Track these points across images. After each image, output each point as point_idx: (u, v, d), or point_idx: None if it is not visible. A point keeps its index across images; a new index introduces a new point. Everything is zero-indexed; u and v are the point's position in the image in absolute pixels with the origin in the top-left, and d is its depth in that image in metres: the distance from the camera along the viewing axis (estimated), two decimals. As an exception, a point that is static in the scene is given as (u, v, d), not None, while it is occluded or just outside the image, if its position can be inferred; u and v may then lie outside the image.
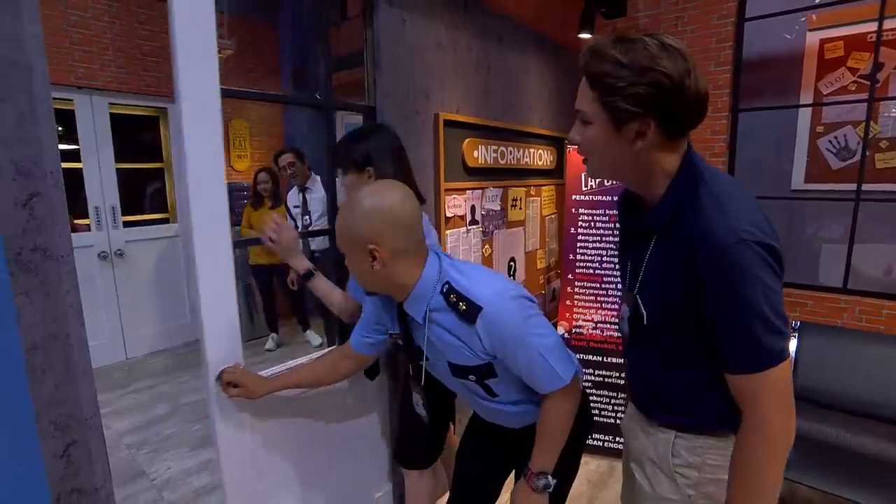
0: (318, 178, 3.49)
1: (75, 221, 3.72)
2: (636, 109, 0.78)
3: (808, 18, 2.84)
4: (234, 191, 4.38)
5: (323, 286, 1.52)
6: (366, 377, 1.76)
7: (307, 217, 3.50)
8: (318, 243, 3.50)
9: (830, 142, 2.89)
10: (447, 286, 1.05)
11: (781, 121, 3.04)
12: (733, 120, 2.83)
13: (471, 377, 1.15)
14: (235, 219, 4.29)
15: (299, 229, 3.44)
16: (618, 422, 2.53)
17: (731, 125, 2.82)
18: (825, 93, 2.82)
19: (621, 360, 2.52)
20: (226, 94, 1.36)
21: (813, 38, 2.86)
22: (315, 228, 3.40)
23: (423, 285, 1.07)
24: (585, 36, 2.83)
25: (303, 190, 3.51)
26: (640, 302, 0.93)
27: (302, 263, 1.49)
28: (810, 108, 2.90)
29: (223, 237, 1.36)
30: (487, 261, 2.43)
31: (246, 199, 4.12)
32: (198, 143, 1.29)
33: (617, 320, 1.79)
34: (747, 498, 0.82)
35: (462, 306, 1.03)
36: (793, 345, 2.35)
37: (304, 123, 4.87)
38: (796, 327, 2.40)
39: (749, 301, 0.76)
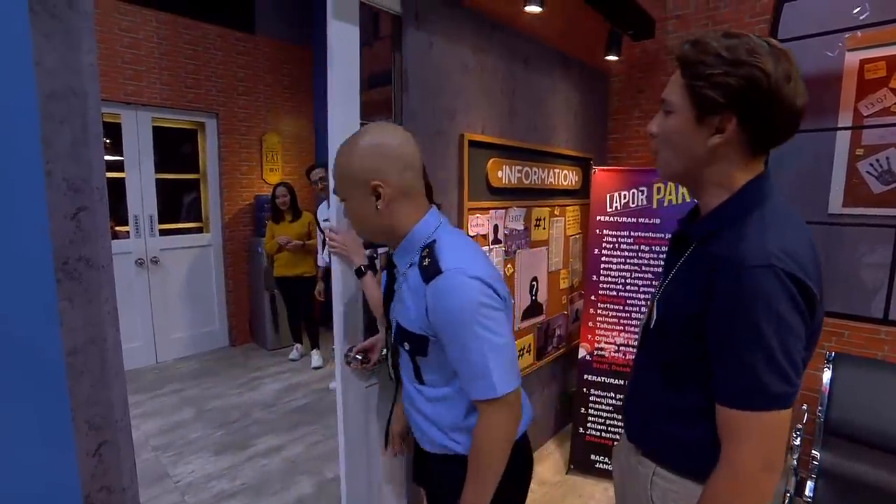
0: None
1: (116, 228, 3.91)
2: (721, 100, 0.74)
3: (848, 39, 2.78)
4: (264, 203, 4.52)
5: (371, 282, 1.52)
6: (390, 379, 1.73)
7: None
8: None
9: (872, 165, 2.80)
10: (430, 244, 1.00)
11: (818, 142, 2.97)
12: (765, 143, 2.77)
13: (405, 345, 1.05)
14: (262, 231, 4.42)
15: (323, 242, 3.52)
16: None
17: (762, 148, 2.77)
18: (865, 114, 2.75)
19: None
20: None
21: (852, 59, 2.80)
22: None
23: (416, 235, 1.02)
24: (612, 58, 2.85)
25: None
26: (655, 307, 0.90)
27: (361, 259, 1.53)
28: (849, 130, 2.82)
29: None
30: (510, 280, 2.44)
31: (276, 212, 4.25)
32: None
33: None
34: None
35: (426, 262, 0.97)
36: (826, 376, 2.26)
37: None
38: (830, 358, 2.31)
39: (759, 330, 0.69)
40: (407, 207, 1.02)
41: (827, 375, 2.24)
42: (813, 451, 2.05)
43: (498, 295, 0.97)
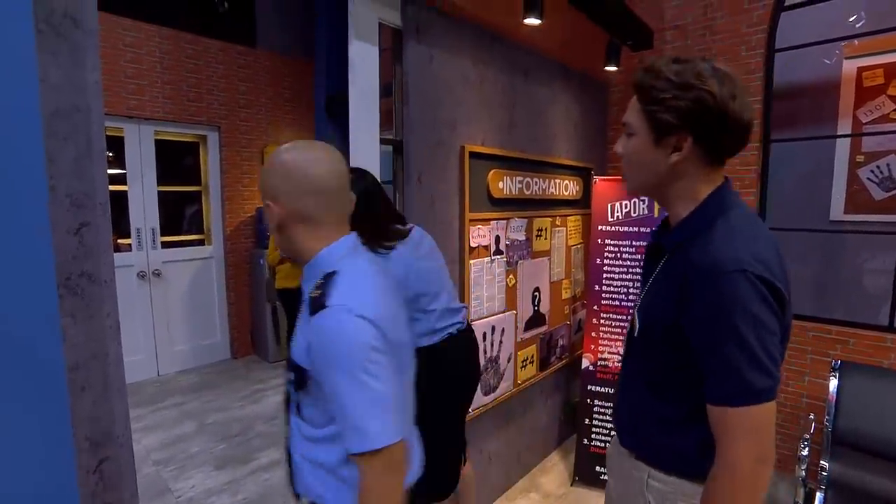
0: None
1: (118, 241, 3.92)
2: (675, 122, 0.81)
3: (845, 47, 2.80)
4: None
5: None
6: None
7: None
8: None
9: (872, 171, 2.80)
10: (330, 274, 0.92)
11: (817, 150, 2.98)
12: (764, 151, 2.78)
13: (291, 373, 0.99)
14: (264, 244, 4.42)
15: None
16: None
17: (762, 156, 2.78)
18: (864, 121, 2.76)
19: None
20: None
21: (850, 67, 2.81)
22: None
23: (318, 262, 0.95)
24: (612, 68, 2.87)
25: None
26: (636, 316, 0.95)
27: None
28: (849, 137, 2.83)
29: None
30: (512, 290, 2.44)
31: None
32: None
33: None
34: None
35: (316, 293, 0.90)
36: (832, 385, 2.24)
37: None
38: (836, 367, 2.29)
39: (738, 331, 0.74)
40: (304, 234, 0.95)
41: (833, 384, 2.23)
42: (821, 462, 2.03)
43: (386, 337, 0.87)
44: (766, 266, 0.77)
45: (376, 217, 1.56)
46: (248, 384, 4.00)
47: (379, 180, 1.75)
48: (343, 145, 5.68)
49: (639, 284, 2.55)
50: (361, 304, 0.87)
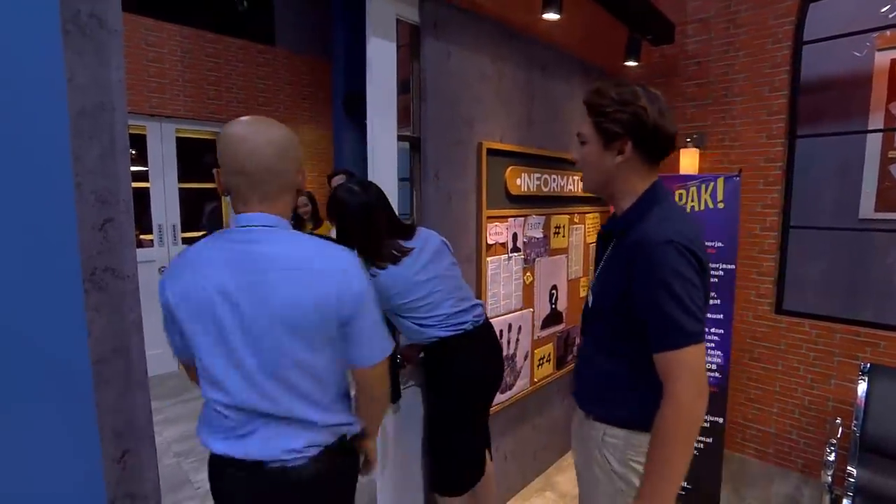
0: None
1: (140, 237, 4.00)
2: (618, 130, 1.04)
3: (878, 38, 2.71)
4: (285, 211, 4.57)
5: None
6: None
7: None
8: None
9: (904, 168, 2.71)
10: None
11: (847, 146, 2.89)
12: (790, 146, 2.71)
13: None
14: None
15: None
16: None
17: (787, 152, 2.70)
18: (897, 116, 2.66)
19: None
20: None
21: (883, 58, 2.72)
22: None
23: None
24: (632, 63, 2.82)
25: None
26: (590, 293, 1.16)
27: None
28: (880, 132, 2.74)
29: None
30: (529, 288, 2.42)
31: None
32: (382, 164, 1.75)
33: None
34: (657, 468, 0.96)
35: None
36: (861, 388, 2.18)
37: (354, 148, 5.05)
38: (865, 370, 2.22)
39: (670, 287, 0.93)
40: (234, 204, 1.04)
41: (862, 388, 2.16)
42: (848, 468, 1.97)
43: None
44: (689, 239, 0.97)
45: (375, 233, 1.56)
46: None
47: (396, 178, 1.75)
48: (361, 142, 5.69)
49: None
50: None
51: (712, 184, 2.55)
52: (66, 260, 0.97)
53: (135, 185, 1.17)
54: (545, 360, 2.59)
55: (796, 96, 2.66)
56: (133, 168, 1.17)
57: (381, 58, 1.67)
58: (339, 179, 3.46)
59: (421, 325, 1.63)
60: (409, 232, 1.64)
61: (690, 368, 0.93)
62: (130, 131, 1.25)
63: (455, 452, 1.72)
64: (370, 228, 1.55)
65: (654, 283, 0.95)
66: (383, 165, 1.64)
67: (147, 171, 4.02)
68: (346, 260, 1.03)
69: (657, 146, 1.05)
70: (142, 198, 3.97)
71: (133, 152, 3.95)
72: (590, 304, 1.15)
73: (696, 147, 2.99)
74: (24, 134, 0.89)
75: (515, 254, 2.30)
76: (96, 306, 1.11)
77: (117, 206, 1.12)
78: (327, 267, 0.99)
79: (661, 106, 1.03)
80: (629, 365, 1.06)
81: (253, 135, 0.99)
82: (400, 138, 1.83)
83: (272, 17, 4.72)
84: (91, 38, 1.09)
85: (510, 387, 2.33)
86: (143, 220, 4.02)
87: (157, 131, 4.03)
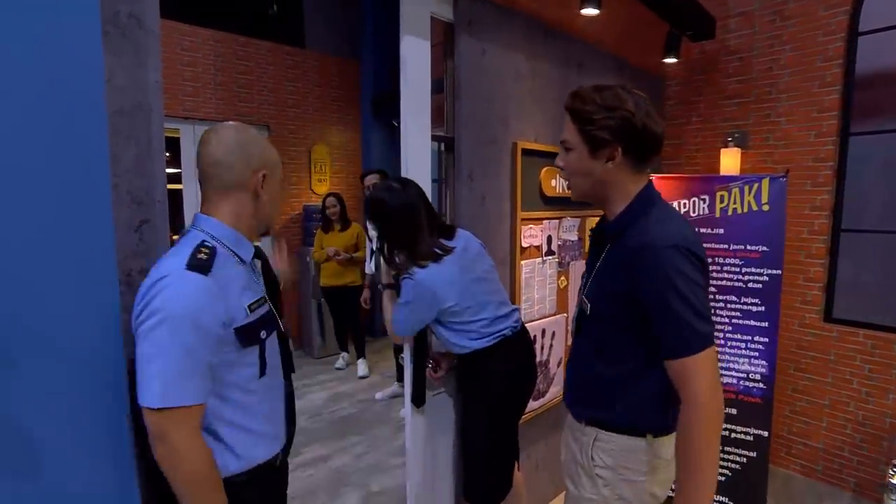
0: None
1: (173, 238, 4.07)
2: (608, 137, 1.01)
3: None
4: (312, 213, 4.60)
5: (388, 303, 1.68)
6: (413, 403, 1.76)
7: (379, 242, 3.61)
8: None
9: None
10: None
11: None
12: (842, 145, 2.56)
13: None
14: (310, 241, 4.49)
15: (371, 252, 3.52)
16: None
17: (839, 151, 2.56)
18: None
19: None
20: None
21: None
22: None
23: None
24: (671, 60, 2.71)
25: None
26: (585, 299, 1.12)
27: (385, 278, 1.71)
28: (939, 133, 2.56)
29: None
30: (563, 292, 2.34)
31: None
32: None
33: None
34: (691, 476, 0.94)
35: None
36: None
37: (382, 149, 5.05)
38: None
39: (680, 292, 0.92)
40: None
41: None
42: (910, 489, 1.84)
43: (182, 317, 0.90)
44: (691, 242, 0.98)
45: (416, 231, 1.52)
46: (293, 379, 4.07)
47: (430, 179, 1.71)
48: (390, 143, 5.69)
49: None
50: (179, 262, 0.95)
51: (756, 185, 2.43)
52: (103, 261, 0.96)
53: (168, 186, 1.16)
54: (578, 366, 2.50)
55: (850, 92, 2.51)
56: (167, 170, 1.16)
57: (416, 56, 1.63)
58: (372, 179, 3.38)
59: (461, 332, 1.57)
60: (450, 231, 1.60)
61: (707, 371, 0.93)
62: (165, 134, 1.24)
63: (487, 464, 1.66)
64: (411, 227, 1.51)
65: (663, 288, 0.94)
66: (417, 166, 1.60)
67: (180, 172, 4.09)
68: (162, 273, 0.91)
69: (646, 148, 1.04)
70: (175, 199, 4.05)
71: (167, 154, 4.03)
72: (587, 311, 1.11)
73: (738, 147, 2.86)
74: (64, 135, 0.89)
75: (550, 257, 2.23)
76: (131, 307, 1.10)
77: (153, 207, 1.11)
78: (146, 281, 0.92)
79: (646, 107, 1.02)
80: (630, 370, 1.05)
81: (207, 133, 1.03)
82: (433, 138, 1.79)
83: (302, 20, 4.76)
84: (130, 38, 1.08)
85: (543, 394, 2.26)
86: (175, 222, 4.10)
87: (190, 133, 4.10)
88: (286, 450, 1.16)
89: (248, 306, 1.00)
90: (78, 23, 0.93)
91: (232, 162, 1.01)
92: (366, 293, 3.90)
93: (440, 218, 1.62)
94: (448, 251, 1.53)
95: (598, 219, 2.54)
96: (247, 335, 0.99)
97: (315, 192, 4.83)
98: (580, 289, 1.19)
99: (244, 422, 1.01)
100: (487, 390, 1.62)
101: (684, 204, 2.58)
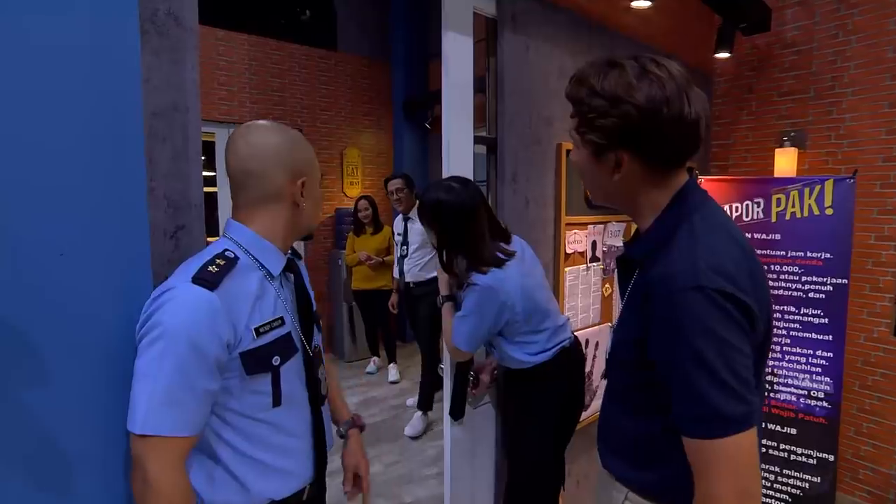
0: None
1: (208, 239, 4.12)
2: (605, 141, 0.74)
3: None
4: (344, 216, 4.59)
5: (449, 317, 1.54)
6: (451, 416, 1.68)
7: (405, 247, 3.39)
8: (413, 274, 3.35)
9: None
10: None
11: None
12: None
13: None
14: (342, 244, 4.47)
15: (398, 257, 3.44)
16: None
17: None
18: None
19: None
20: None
21: None
22: (413, 260, 3.34)
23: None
24: (723, 55, 2.56)
25: (406, 219, 3.41)
26: (610, 335, 0.92)
27: (445, 289, 1.59)
28: None
29: None
30: (608, 301, 2.22)
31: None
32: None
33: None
34: None
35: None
36: None
37: (414, 151, 5.00)
38: None
39: (699, 353, 0.66)
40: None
41: None
42: None
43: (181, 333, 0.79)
44: (727, 276, 0.68)
45: (479, 234, 1.40)
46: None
47: (475, 183, 1.63)
48: (422, 145, 5.64)
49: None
50: (188, 273, 0.85)
51: (819, 187, 2.26)
52: (138, 268, 0.92)
53: (204, 189, 1.10)
54: (622, 379, 2.38)
55: (931, 85, 2.30)
56: (203, 174, 1.11)
57: (458, 53, 1.55)
58: (395, 184, 3.31)
59: (523, 345, 1.47)
60: (508, 235, 1.50)
61: (731, 466, 0.66)
62: (203, 138, 1.20)
63: (534, 487, 1.57)
64: (473, 229, 1.39)
65: (677, 347, 0.68)
66: (459, 167, 1.52)
67: (215, 175, 4.14)
68: (169, 285, 0.83)
69: (667, 148, 0.74)
70: (210, 202, 4.09)
71: (203, 158, 4.08)
72: (607, 354, 0.90)
73: (795, 146, 2.67)
74: (99, 136, 0.84)
75: (594, 264, 2.11)
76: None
77: (189, 211, 1.06)
78: (155, 291, 0.84)
79: (662, 91, 0.70)
80: (661, 427, 0.78)
81: (236, 136, 0.93)
82: (475, 140, 1.71)
83: (334, 23, 4.76)
84: (168, 36, 1.04)
85: (586, 407, 2.14)
86: (210, 226, 4.14)
87: (225, 137, 4.12)
88: (316, 484, 1.02)
89: (256, 329, 0.86)
90: (117, 21, 0.89)
91: (266, 171, 0.90)
92: (393, 297, 3.81)
93: (499, 221, 1.52)
94: (511, 255, 1.42)
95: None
96: (253, 361, 0.86)
97: (347, 196, 4.82)
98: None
99: (252, 451, 0.89)
100: (545, 409, 1.51)
101: (736, 208, 2.43)
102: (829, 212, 2.24)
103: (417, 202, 3.27)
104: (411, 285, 3.36)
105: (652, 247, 0.78)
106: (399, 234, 3.48)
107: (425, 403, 3.30)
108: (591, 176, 0.82)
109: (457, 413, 1.66)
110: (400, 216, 3.49)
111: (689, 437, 0.70)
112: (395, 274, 3.65)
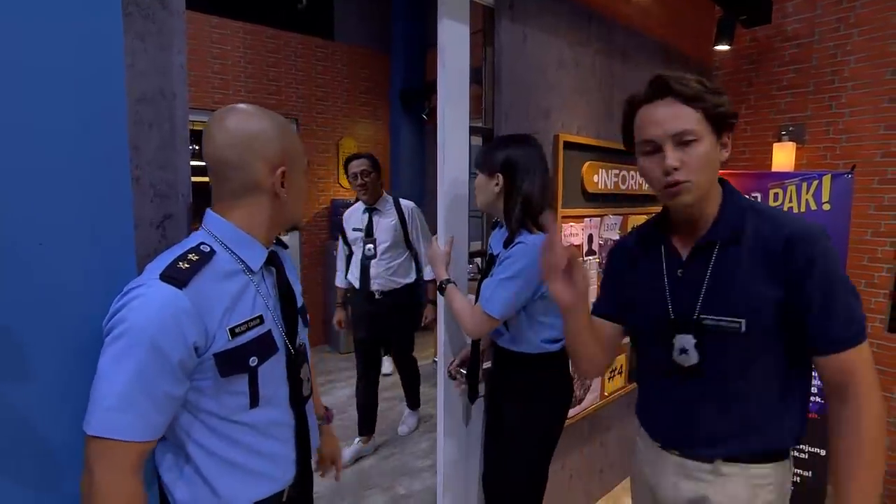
0: (391, 199, 2.76)
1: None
2: (733, 120, 0.91)
3: None
4: (340, 207, 4.55)
5: (458, 296, 1.48)
6: (468, 398, 1.66)
7: (370, 246, 2.68)
8: (382, 281, 2.71)
9: None
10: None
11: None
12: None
13: None
14: (336, 235, 4.43)
15: (358, 259, 2.74)
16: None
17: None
18: None
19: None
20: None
21: None
22: (383, 263, 2.68)
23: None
24: (723, 47, 2.54)
25: (370, 210, 2.71)
26: (718, 318, 0.92)
27: (444, 272, 1.53)
28: None
29: (463, 254, 1.69)
30: (602, 295, 2.21)
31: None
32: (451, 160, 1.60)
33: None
34: (868, 467, 0.84)
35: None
36: None
37: (411, 142, 4.95)
38: None
39: (845, 281, 0.86)
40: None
41: None
42: None
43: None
44: None
45: (545, 192, 1.44)
46: (319, 374, 4.04)
47: (468, 173, 1.61)
48: (419, 136, 5.57)
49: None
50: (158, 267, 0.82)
51: (816, 182, 2.24)
52: (122, 260, 0.89)
53: (195, 179, 1.07)
54: (616, 372, 2.37)
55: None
56: (195, 163, 1.07)
57: (454, 42, 1.52)
58: (360, 164, 2.65)
59: (543, 328, 1.43)
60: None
61: (870, 358, 0.87)
62: (195, 127, 1.17)
63: (531, 489, 1.55)
64: (540, 183, 1.40)
65: (832, 277, 0.85)
66: (454, 158, 1.49)
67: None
68: (139, 281, 0.79)
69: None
70: (203, 193, 4.04)
71: (196, 147, 4.03)
72: (743, 327, 0.91)
73: (793, 141, 2.65)
74: (80, 123, 0.81)
75: (591, 257, 2.10)
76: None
77: (177, 201, 1.04)
78: (127, 286, 0.80)
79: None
80: (780, 385, 0.92)
81: (212, 122, 0.87)
82: (471, 130, 1.69)
83: (331, 12, 4.69)
84: (153, 20, 1.01)
85: (580, 401, 2.14)
86: (201, 215, 4.10)
87: (219, 126, 4.10)
88: (299, 485, 0.98)
89: (231, 329, 0.82)
90: (96, 3, 0.86)
91: (242, 160, 0.84)
92: (339, 314, 2.99)
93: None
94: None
95: (640, 216, 2.36)
96: (228, 363, 0.82)
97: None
98: (664, 316, 0.96)
99: (226, 454, 0.85)
100: (549, 404, 1.49)
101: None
102: (826, 207, 2.23)
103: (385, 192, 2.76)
104: (377, 295, 2.70)
105: (738, 222, 0.92)
106: (357, 230, 2.75)
107: (414, 401, 3.19)
108: (709, 162, 0.89)
109: (473, 395, 1.63)
110: (359, 206, 2.78)
111: (844, 351, 0.85)
112: (342, 281, 2.94)
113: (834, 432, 0.88)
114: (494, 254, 1.46)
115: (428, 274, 2.79)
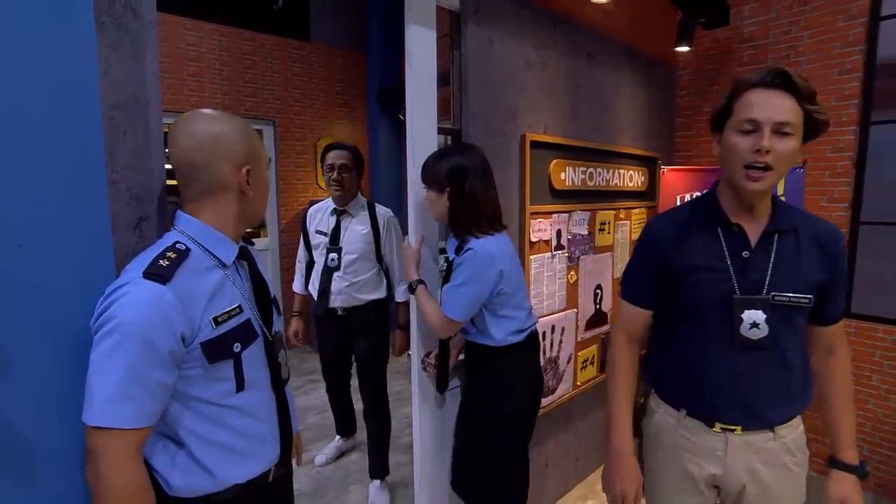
0: (366, 203, 2.35)
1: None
2: (823, 130, 1.03)
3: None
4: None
5: (427, 298, 1.56)
6: (437, 389, 1.72)
7: (334, 256, 2.27)
8: (346, 297, 2.30)
9: None
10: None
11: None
12: (862, 134, 2.48)
13: None
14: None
15: (319, 270, 2.35)
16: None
17: (859, 141, 2.48)
18: None
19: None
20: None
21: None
22: (348, 276, 2.28)
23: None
24: (683, 49, 2.64)
25: (339, 213, 2.31)
26: (790, 294, 1.05)
27: (415, 273, 1.60)
28: (964, 121, 2.47)
29: (434, 252, 1.75)
30: (573, 287, 2.30)
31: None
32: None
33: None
34: (851, 412, 1.14)
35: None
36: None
37: (389, 143, 4.99)
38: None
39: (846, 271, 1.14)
40: None
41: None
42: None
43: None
44: None
45: (495, 197, 1.54)
46: (301, 375, 4.06)
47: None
48: (396, 137, 5.58)
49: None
50: (140, 265, 0.87)
51: (773, 176, 2.36)
52: (101, 260, 0.93)
53: (172, 182, 1.11)
54: (588, 362, 2.46)
55: (872, 79, 2.42)
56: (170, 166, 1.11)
57: (421, 47, 1.58)
58: (339, 156, 2.26)
59: (505, 321, 1.49)
60: (499, 209, 1.59)
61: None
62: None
63: (511, 476, 1.59)
64: (484, 190, 1.46)
65: (845, 266, 1.15)
66: (423, 159, 1.55)
67: (187, 168, 4.08)
68: (123, 280, 0.84)
69: None
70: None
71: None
72: (811, 302, 1.06)
73: (753, 137, 2.78)
74: (56, 130, 0.85)
75: (559, 252, 2.18)
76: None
77: (152, 203, 1.08)
78: (110, 286, 0.85)
79: None
80: (803, 353, 1.12)
81: (177, 127, 0.92)
82: (440, 131, 1.75)
83: (307, 13, 4.71)
84: (126, 30, 1.05)
85: (553, 391, 2.23)
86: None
87: (196, 129, 4.08)
88: (282, 464, 1.06)
89: (214, 318, 0.88)
90: (70, 13, 0.90)
91: (209, 162, 0.90)
92: (295, 325, 2.59)
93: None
94: (504, 227, 1.52)
95: (607, 212, 2.49)
96: (214, 350, 0.88)
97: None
98: (733, 291, 1.05)
99: (217, 437, 0.92)
100: (517, 391, 1.55)
101: (696, 195, 2.52)
102: (782, 199, 2.35)
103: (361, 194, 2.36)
104: (340, 312, 2.31)
105: (793, 219, 1.07)
106: (321, 233, 2.36)
107: (380, 466, 2.46)
108: (794, 158, 1.00)
109: (441, 386, 1.70)
110: (327, 207, 2.38)
111: (838, 321, 1.13)
112: (300, 287, 2.60)
113: (829, 382, 1.14)
114: (450, 259, 1.53)
115: (400, 295, 2.37)
